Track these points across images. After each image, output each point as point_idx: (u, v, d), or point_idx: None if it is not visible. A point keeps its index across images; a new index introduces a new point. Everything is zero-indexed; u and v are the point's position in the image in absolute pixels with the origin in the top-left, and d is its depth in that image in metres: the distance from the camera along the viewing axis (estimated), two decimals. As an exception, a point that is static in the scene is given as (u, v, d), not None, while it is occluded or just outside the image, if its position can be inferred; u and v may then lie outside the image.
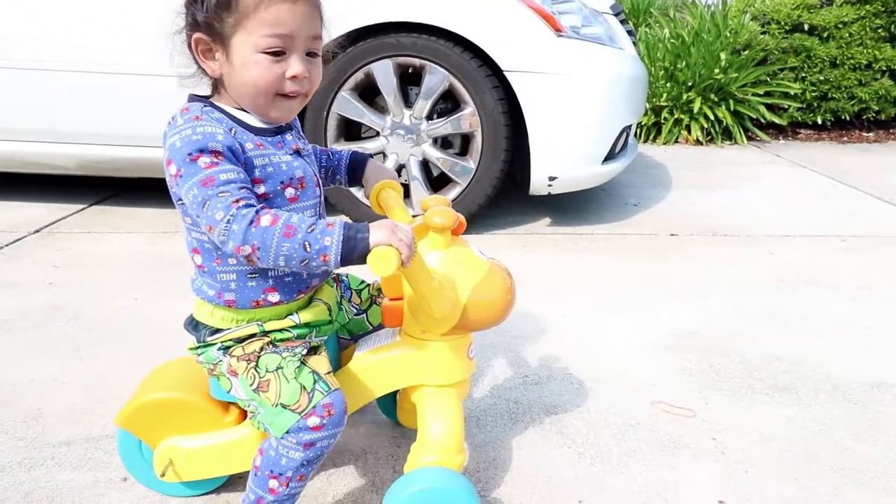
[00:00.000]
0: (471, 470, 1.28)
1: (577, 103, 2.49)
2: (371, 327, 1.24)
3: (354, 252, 0.93)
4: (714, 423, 1.44)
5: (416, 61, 2.46)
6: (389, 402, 1.37)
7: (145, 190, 3.02)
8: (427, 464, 1.07)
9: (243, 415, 1.14)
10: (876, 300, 2.08)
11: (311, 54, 1.02)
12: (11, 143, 2.60)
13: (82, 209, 2.79)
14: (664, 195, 3.24)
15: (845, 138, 4.77)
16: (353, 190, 2.54)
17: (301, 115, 2.49)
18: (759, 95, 4.52)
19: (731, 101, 4.47)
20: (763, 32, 4.66)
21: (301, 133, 1.14)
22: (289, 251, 0.92)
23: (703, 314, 1.96)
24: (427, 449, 1.09)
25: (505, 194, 2.78)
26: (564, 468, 1.29)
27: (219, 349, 1.06)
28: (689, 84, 4.44)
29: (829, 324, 1.92)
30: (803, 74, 4.64)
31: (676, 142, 4.53)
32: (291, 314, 1.08)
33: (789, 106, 4.66)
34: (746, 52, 4.53)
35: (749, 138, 4.63)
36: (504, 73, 2.43)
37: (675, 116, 4.49)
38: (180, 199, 0.99)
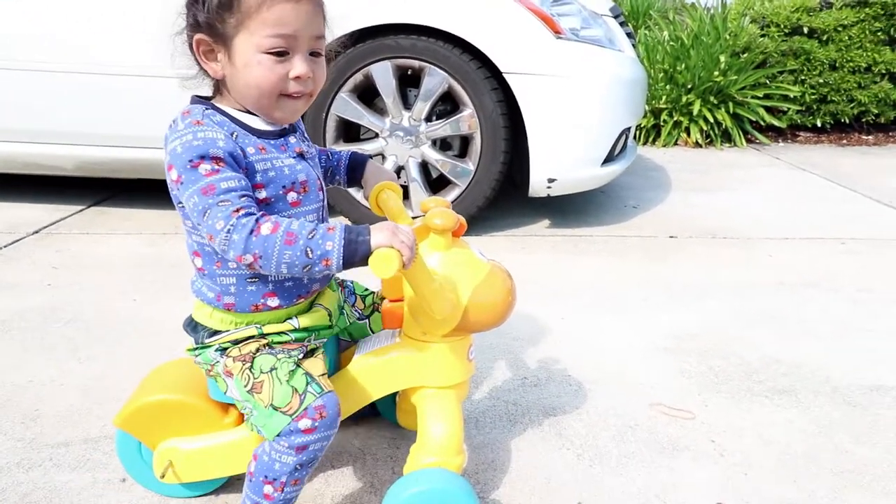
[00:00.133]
0: (470, 471, 1.28)
1: (577, 105, 2.49)
2: (371, 334, 1.24)
3: (356, 255, 0.92)
4: (713, 426, 1.44)
5: (416, 63, 2.46)
6: (389, 404, 1.37)
7: (144, 191, 3.02)
8: (427, 465, 1.07)
9: (242, 416, 1.14)
10: (875, 303, 2.08)
11: (314, 54, 1.01)
12: (10, 144, 2.60)
13: (81, 210, 2.79)
14: (663, 197, 3.24)
15: (844, 141, 4.77)
16: (352, 191, 2.54)
17: (301, 117, 2.48)
18: (758, 98, 4.53)
19: (731, 104, 4.48)
20: (762, 35, 4.67)
21: (305, 135, 1.14)
22: (291, 258, 0.91)
23: (702, 316, 1.96)
24: (426, 450, 1.08)
25: (504, 196, 2.78)
26: (563, 470, 1.29)
27: (216, 350, 1.06)
28: (689, 86, 4.44)
29: (829, 326, 1.92)
30: (803, 77, 4.65)
31: (676, 144, 4.53)
32: (291, 318, 1.07)
33: (788, 109, 4.67)
34: (746, 55, 4.53)
35: (748, 141, 4.63)
36: (503, 74, 2.43)
37: (675, 119, 4.50)
38: (181, 203, 0.99)
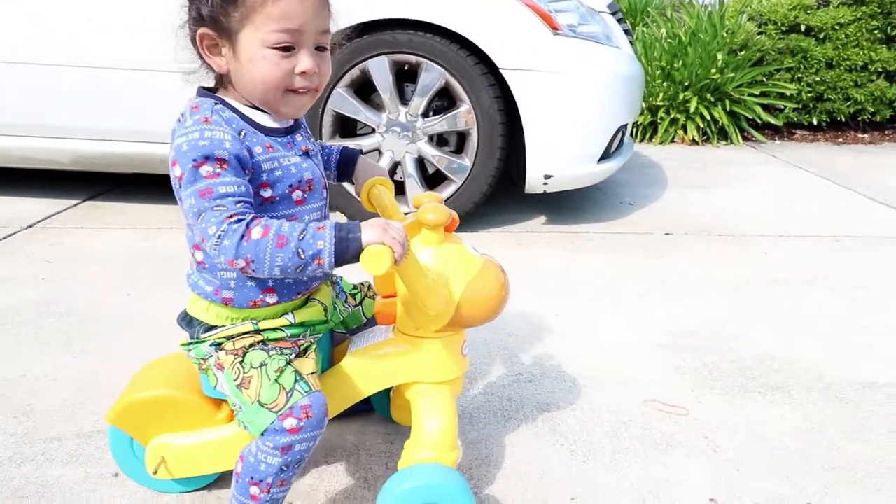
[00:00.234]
0: (464, 467, 1.28)
1: (574, 102, 2.49)
2: (366, 319, 1.24)
3: (348, 252, 0.92)
4: (706, 422, 1.44)
5: (412, 58, 2.46)
6: (383, 399, 1.37)
7: (139, 186, 3.01)
8: (421, 460, 1.07)
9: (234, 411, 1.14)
10: (870, 300, 2.09)
11: (319, 48, 1.00)
12: (5, 137, 2.58)
13: (75, 204, 2.78)
14: (660, 194, 3.24)
15: (840, 139, 4.78)
16: (348, 186, 2.54)
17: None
18: (755, 96, 4.53)
19: (728, 101, 4.48)
20: (760, 33, 4.67)
21: (309, 132, 1.13)
22: (283, 261, 0.91)
23: (697, 313, 1.96)
24: (421, 445, 1.08)
25: (500, 192, 2.78)
26: (557, 466, 1.29)
27: (211, 345, 1.06)
28: (686, 84, 4.44)
29: (824, 323, 1.92)
30: (799, 75, 4.65)
31: (672, 141, 4.53)
32: (287, 314, 1.07)
33: (785, 106, 4.67)
34: (743, 53, 4.53)
35: (745, 138, 4.64)
36: (500, 70, 2.43)
37: (672, 116, 4.50)
38: (181, 198, 0.98)
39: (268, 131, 1.02)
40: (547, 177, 2.54)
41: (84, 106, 2.52)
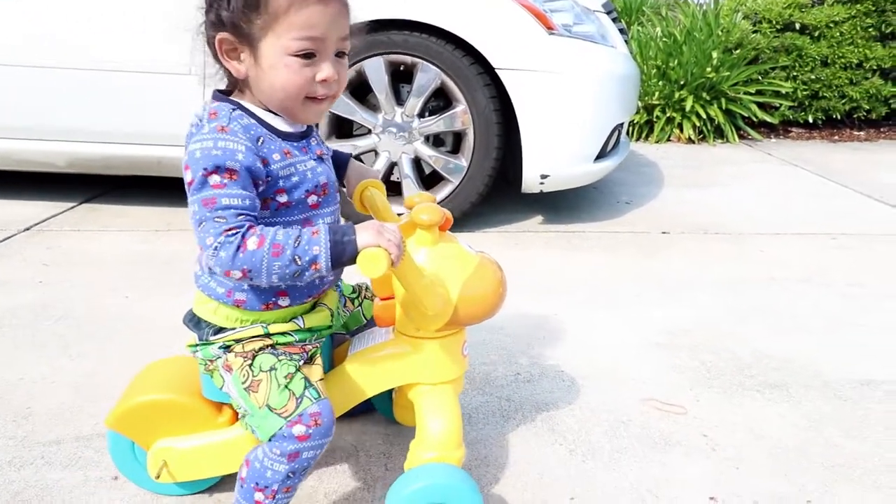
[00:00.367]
0: (463, 467, 1.28)
1: (569, 101, 2.49)
2: (365, 320, 1.24)
3: (344, 255, 0.92)
4: (705, 420, 1.45)
5: (408, 59, 2.46)
6: (385, 400, 1.37)
7: (136, 188, 3.01)
8: (427, 460, 1.07)
9: (236, 414, 1.13)
10: (866, 297, 2.09)
11: (338, 54, 1.00)
12: (2, 140, 2.57)
13: (73, 207, 2.78)
14: (656, 193, 3.24)
15: (836, 137, 4.79)
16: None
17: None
18: (750, 94, 4.54)
19: (723, 100, 4.49)
20: (755, 31, 4.68)
21: (319, 136, 1.13)
22: (280, 269, 0.91)
23: (694, 312, 1.97)
24: (426, 445, 1.09)
25: (497, 192, 2.78)
26: (556, 465, 1.29)
27: (220, 347, 1.05)
28: (681, 83, 4.45)
29: (820, 321, 1.93)
30: (794, 73, 4.66)
31: (668, 140, 4.54)
32: (296, 318, 1.07)
33: (781, 105, 4.68)
34: (738, 51, 4.54)
35: (741, 137, 4.65)
36: (496, 70, 2.43)
37: (667, 115, 4.51)
38: None
39: (285, 136, 1.01)
40: (543, 176, 2.54)
41: (80, 108, 2.51)
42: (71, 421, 1.39)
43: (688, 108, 4.42)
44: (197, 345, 1.07)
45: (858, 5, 4.58)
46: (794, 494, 1.23)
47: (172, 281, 2.07)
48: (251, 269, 0.91)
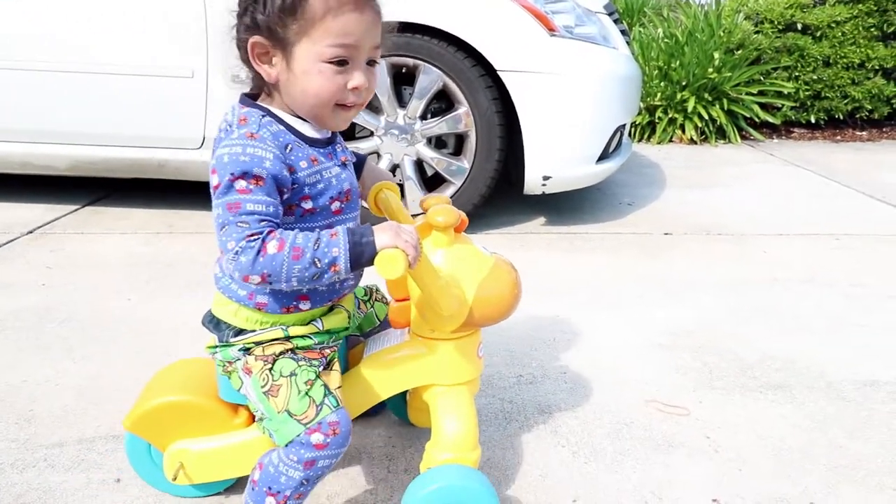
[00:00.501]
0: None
1: (571, 103, 2.49)
2: (378, 322, 1.25)
3: (363, 257, 0.93)
4: (708, 422, 1.44)
5: (410, 61, 2.46)
6: (399, 402, 1.37)
7: (139, 191, 3.01)
8: (443, 461, 1.07)
9: (253, 416, 1.13)
10: (869, 298, 2.09)
11: (369, 63, 1.00)
12: (4, 143, 2.58)
13: (76, 210, 2.78)
14: (658, 194, 3.24)
15: (838, 137, 4.79)
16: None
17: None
18: (752, 94, 4.54)
19: (725, 101, 4.48)
20: (756, 32, 4.68)
21: (343, 142, 1.13)
22: (300, 272, 0.92)
23: (697, 313, 1.96)
24: (442, 447, 1.09)
25: (499, 194, 2.78)
26: (559, 467, 1.29)
27: (239, 349, 1.05)
28: (683, 83, 4.45)
29: (823, 322, 1.92)
30: (797, 73, 4.66)
31: (671, 141, 4.54)
32: (315, 320, 1.07)
33: (783, 105, 4.68)
34: (740, 52, 4.54)
35: (743, 137, 4.64)
36: (498, 72, 2.43)
37: (670, 116, 4.50)
38: None
39: (312, 142, 1.02)
40: (545, 178, 2.54)
41: (82, 111, 2.52)
42: (74, 424, 1.39)
43: (690, 109, 4.42)
44: (217, 346, 1.07)
45: (860, 5, 4.57)
46: (797, 496, 1.23)
47: (175, 283, 2.08)
48: (271, 273, 0.91)
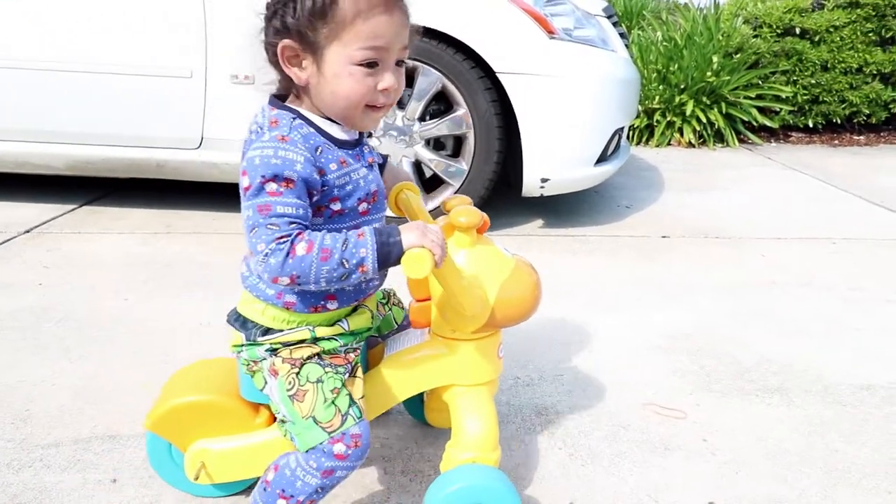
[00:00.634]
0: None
1: (570, 105, 2.49)
2: (396, 325, 1.25)
3: (390, 257, 0.93)
4: (705, 425, 1.44)
5: (409, 62, 2.46)
6: (416, 403, 1.37)
7: (137, 190, 3.01)
8: (464, 461, 1.08)
9: (274, 416, 1.13)
10: (867, 302, 2.09)
11: (397, 63, 1.01)
12: (2, 143, 2.58)
13: (73, 209, 2.78)
14: (656, 197, 3.25)
15: (836, 141, 4.80)
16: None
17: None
18: (750, 98, 4.55)
19: (724, 104, 4.49)
20: (755, 36, 4.69)
21: (369, 143, 1.13)
22: (329, 273, 0.92)
23: (694, 316, 1.97)
24: (463, 447, 1.09)
25: (497, 196, 2.78)
26: (556, 469, 1.29)
27: (266, 349, 1.05)
28: (682, 87, 4.45)
29: (820, 325, 1.92)
30: (795, 78, 4.67)
31: (669, 144, 4.55)
32: (340, 320, 1.07)
33: (781, 109, 4.69)
34: (738, 56, 4.55)
35: (741, 141, 4.65)
36: (497, 74, 2.43)
37: (668, 119, 4.51)
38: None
39: (341, 144, 1.02)
40: (544, 180, 2.54)
41: (80, 110, 2.52)
42: (70, 424, 1.39)
43: (688, 113, 4.42)
44: (243, 345, 1.07)
45: (858, 10, 4.58)
46: (793, 499, 1.23)
47: (173, 283, 2.08)
48: (300, 275, 0.92)
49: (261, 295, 1.04)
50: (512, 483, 1.08)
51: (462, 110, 2.49)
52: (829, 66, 4.64)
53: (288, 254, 0.91)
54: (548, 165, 2.53)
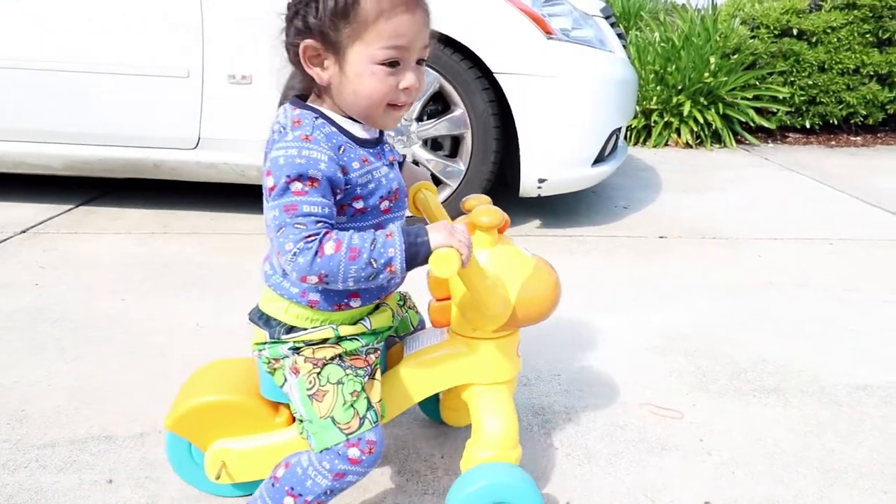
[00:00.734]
0: (458, 471, 1.27)
1: (567, 106, 2.50)
2: (412, 328, 1.26)
3: (418, 257, 0.94)
4: (702, 425, 1.45)
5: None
6: (432, 402, 1.37)
7: (133, 190, 3.01)
8: (484, 460, 1.08)
9: (293, 416, 1.13)
10: (863, 302, 2.10)
11: (418, 62, 1.01)
12: (-2, 142, 2.58)
13: (69, 210, 2.77)
14: (653, 198, 3.25)
15: (833, 142, 4.81)
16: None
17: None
18: (748, 99, 4.56)
19: (721, 105, 4.50)
20: (752, 37, 4.70)
21: (389, 142, 1.14)
22: (357, 272, 0.92)
23: (691, 316, 1.97)
24: (483, 445, 1.09)
25: (495, 196, 2.77)
26: (552, 469, 1.29)
27: (290, 348, 1.05)
28: (679, 87, 4.46)
29: (817, 326, 1.93)
30: (792, 79, 4.68)
31: (666, 145, 4.55)
32: (363, 319, 1.08)
33: (778, 110, 4.70)
34: (736, 56, 4.56)
35: (738, 141, 4.66)
36: (494, 75, 2.43)
37: (665, 119, 4.52)
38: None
39: (362, 143, 1.02)
40: (541, 180, 2.54)
41: (77, 110, 2.51)
42: (66, 424, 1.38)
43: (685, 113, 4.43)
44: (266, 343, 1.07)
45: (856, 11, 4.59)
46: (790, 499, 1.23)
47: (170, 283, 2.07)
48: (328, 274, 0.92)
49: (285, 293, 1.04)
50: (534, 482, 1.08)
51: (459, 110, 2.49)
52: (826, 67, 4.65)
53: (316, 253, 0.91)
54: (545, 166, 2.54)
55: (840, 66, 4.63)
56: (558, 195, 2.74)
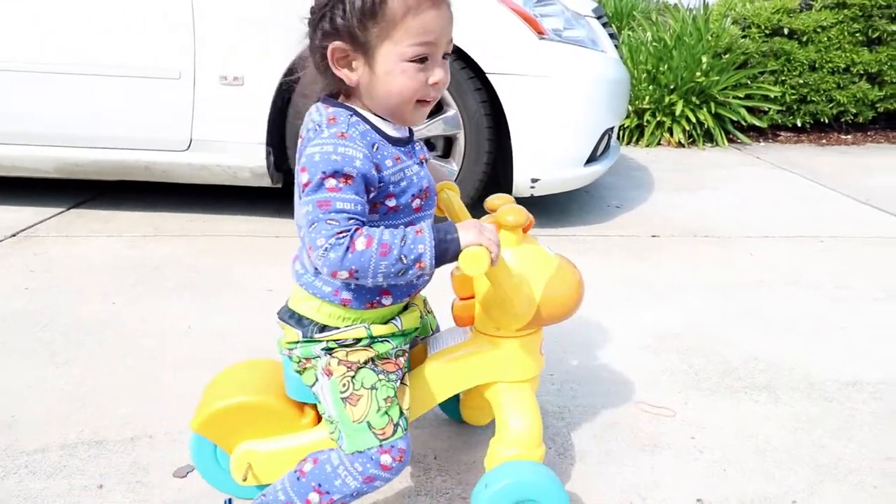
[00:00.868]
0: (452, 472, 1.28)
1: (560, 106, 2.50)
2: (432, 332, 1.26)
3: (447, 254, 0.94)
4: (693, 423, 1.45)
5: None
6: (452, 401, 1.36)
7: (125, 193, 2.99)
8: (508, 458, 1.08)
9: (319, 416, 1.13)
10: (853, 300, 2.11)
11: (444, 56, 1.01)
12: (-12, 145, 2.56)
13: (60, 212, 2.76)
14: (646, 197, 3.26)
15: (824, 141, 4.83)
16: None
17: (283, 119, 2.47)
18: (739, 98, 4.57)
19: (713, 104, 4.51)
20: (744, 36, 4.72)
21: (419, 141, 1.14)
22: (387, 268, 0.93)
23: (683, 315, 1.97)
24: (507, 443, 1.10)
25: (488, 196, 2.78)
26: (545, 469, 1.29)
27: (323, 348, 1.05)
28: (671, 87, 4.47)
29: (808, 324, 1.94)
30: (783, 78, 4.70)
31: (658, 144, 4.56)
32: (394, 318, 1.08)
33: (769, 109, 4.71)
34: (727, 56, 4.57)
35: (730, 140, 4.67)
36: (487, 75, 2.44)
37: (658, 119, 4.53)
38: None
39: (394, 141, 1.03)
40: (534, 180, 2.55)
41: (69, 112, 2.50)
42: (56, 429, 1.37)
43: (678, 113, 4.44)
44: (298, 342, 1.07)
45: (846, 10, 4.62)
46: (781, 495, 1.24)
47: (161, 286, 2.06)
48: (358, 269, 0.92)
49: (317, 292, 1.04)
50: (559, 479, 1.08)
51: (452, 111, 2.49)
52: (816, 66, 4.67)
53: (348, 248, 0.91)
54: (538, 166, 2.54)
55: (830, 65, 4.65)
56: (551, 195, 2.74)
